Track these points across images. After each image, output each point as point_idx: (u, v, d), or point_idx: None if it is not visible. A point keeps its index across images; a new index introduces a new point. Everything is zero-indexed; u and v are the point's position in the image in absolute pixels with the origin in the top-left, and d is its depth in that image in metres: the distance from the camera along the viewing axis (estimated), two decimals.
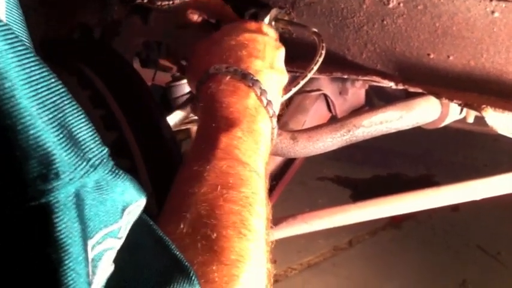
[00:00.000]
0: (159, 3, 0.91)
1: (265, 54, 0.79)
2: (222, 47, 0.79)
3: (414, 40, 0.95)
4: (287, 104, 1.24)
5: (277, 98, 0.78)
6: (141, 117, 0.83)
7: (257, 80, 0.73)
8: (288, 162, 1.31)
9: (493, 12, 0.86)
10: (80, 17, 1.13)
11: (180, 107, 1.01)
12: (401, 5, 0.92)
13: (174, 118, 0.98)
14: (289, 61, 0.87)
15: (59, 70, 0.73)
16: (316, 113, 1.26)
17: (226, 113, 0.69)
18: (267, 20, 0.92)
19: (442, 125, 1.10)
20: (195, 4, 0.91)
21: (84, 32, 1.04)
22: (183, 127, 0.98)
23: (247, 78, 0.73)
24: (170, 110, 0.99)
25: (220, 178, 0.61)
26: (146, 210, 0.44)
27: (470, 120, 1.11)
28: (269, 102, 0.73)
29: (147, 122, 0.83)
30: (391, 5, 0.92)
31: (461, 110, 1.09)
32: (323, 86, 1.26)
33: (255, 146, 0.68)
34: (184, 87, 1.07)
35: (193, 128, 1.20)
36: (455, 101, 0.93)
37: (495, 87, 0.91)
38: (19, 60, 0.32)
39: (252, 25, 0.85)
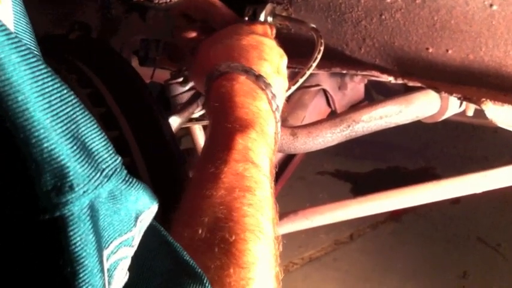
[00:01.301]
0: (156, 1, 0.91)
1: (273, 58, 0.78)
2: (232, 45, 0.78)
3: (413, 34, 0.95)
4: (286, 100, 1.24)
5: (281, 105, 0.78)
6: (140, 115, 0.82)
7: (269, 84, 0.73)
8: (288, 158, 1.31)
9: (491, 5, 0.85)
10: (78, 15, 1.13)
11: (179, 111, 1.01)
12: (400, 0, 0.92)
13: (172, 123, 0.97)
14: (288, 57, 0.87)
15: (58, 67, 0.73)
16: (315, 108, 1.26)
17: (241, 113, 0.69)
18: (263, 15, 0.92)
19: (442, 118, 1.10)
20: (190, 3, 0.90)
21: (82, 30, 1.04)
22: (183, 125, 0.98)
23: (260, 81, 0.72)
24: (169, 108, 0.99)
25: (237, 180, 0.61)
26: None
27: (470, 113, 1.11)
28: (277, 107, 0.73)
29: (146, 120, 0.83)
30: (389, 0, 0.92)
31: (461, 103, 1.09)
32: (322, 81, 1.26)
33: (265, 149, 0.68)
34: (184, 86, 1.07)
35: (194, 126, 1.20)
36: (454, 94, 0.93)
37: (494, 81, 0.91)
38: (32, 73, 0.32)
39: (259, 28, 0.85)
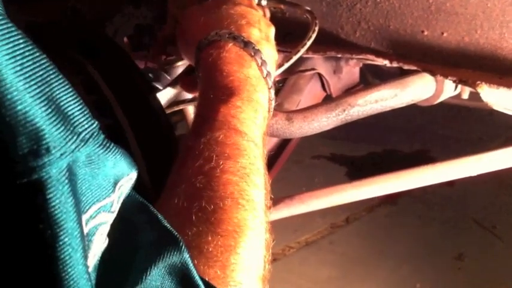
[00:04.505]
0: None
1: (262, 26, 0.78)
2: (220, 14, 0.77)
3: (408, 17, 0.94)
4: (282, 84, 1.23)
5: (273, 72, 0.78)
6: (134, 101, 0.82)
7: (258, 50, 0.72)
8: (284, 143, 1.31)
9: None
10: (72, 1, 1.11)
11: (172, 84, 1.00)
12: None
13: (165, 95, 0.96)
14: (282, 40, 0.87)
15: (51, 56, 0.72)
16: (310, 92, 1.25)
17: (226, 82, 0.68)
18: None
19: (437, 102, 1.10)
20: None
21: (74, 15, 1.02)
22: (176, 108, 0.97)
23: (249, 47, 0.71)
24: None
25: (216, 149, 0.60)
26: (139, 185, 0.44)
27: (465, 96, 1.10)
28: (268, 73, 0.72)
29: (141, 106, 0.82)
30: None
31: (456, 86, 1.08)
32: (317, 66, 1.25)
33: (253, 116, 0.67)
34: (178, 70, 1.06)
35: (188, 108, 1.19)
36: (449, 77, 0.92)
37: (490, 63, 0.91)
38: (2, 35, 0.31)
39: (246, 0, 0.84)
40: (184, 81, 0.86)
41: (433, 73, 0.95)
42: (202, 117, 0.65)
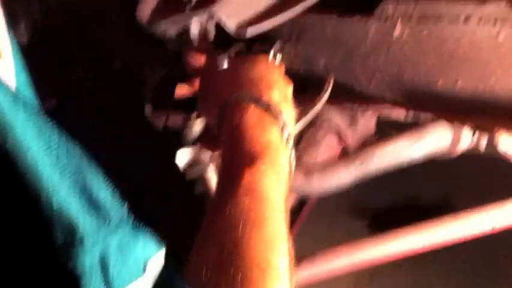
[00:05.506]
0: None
1: (280, 86, 0.79)
2: (241, 76, 0.78)
3: (421, 66, 0.95)
4: (298, 138, 1.24)
5: (292, 133, 0.78)
6: (154, 158, 0.83)
7: (279, 112, 0.73)
8: (303, 199, 1.30)
9: (498, 33, 0.86)
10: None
11: (192, 141, 1.01)
12: (406, 32, 0.92)
13: (185, 153, 0.97)
14: (297, 95, 0.88)
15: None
16: (328, 144, 1.26)
17: (249, 147, 0.68)
18: (272, 53, 0.93)
19: (458, 153, 1.09)
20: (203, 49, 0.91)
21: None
22: (196, 167, 0.98)
23: (270, 110, 0.72)
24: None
25: (242, 216, 0.60)
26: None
27: (482, 148, 1.08)
28: (289, 136, 0.73)
29: (162, 165, 0.83)
30: (395, 34, 0.93)
31: (474, 134, 1.07)
32: (333, 117, 1.26)
33: (276, 181, 0.67)
34: (197, 127, 1.07)
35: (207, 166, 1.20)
36: (467, 125, 0.92)
37: (507, 110, 0.90)
38: (38, 130, 0.33)
39: (263, 58, 0.86)
40: (205, 139, 0.87)
41: (449, 120, 0.95)
42: (226, 182, 0.66)
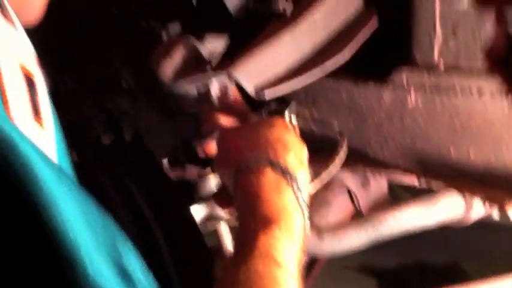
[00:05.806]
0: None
1: (296, 150, 0.80)
2: (257, 138, 0.79)
3: (434, 137, 0.96)
4: (310, 198, 1.24)
5: (307, 198, 0.79)
6: (169, 214, 0.84)
7: (295, 177, 0.74)
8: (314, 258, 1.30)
9: (509, 109, 0.87)
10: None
11: (206, 198, 1.02)
12: (420, 103, 0.94)
13: (199, 209, 0.98)
14: (311, 155, 0.89)
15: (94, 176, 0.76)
16: (339, 206, 1.26)
17: (265, 211, 0.69)
18: (287, 114, 0.94)
19: (471, 222, 1.09)
20: (222, 108, 0.93)
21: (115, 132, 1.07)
22: (209, 224, 0.99)
23: (286, 174, 0.73)
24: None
25: (256, 281, 0.61)
26: None
27: (495, 216, 1.10)
28: (304, 201, 0.74)
29: (176, 219, 0.84)
30: (409, 104, 0.95)
31: (484, 204, 1.08)
32: (345, 179, 1.27)
33: (290, 246, 0.67)
34: (210, 183, 1.09)
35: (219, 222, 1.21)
36: (477, 196, 0.93)
37: None
38: (79, 206, 0.34)
39: (280, 121, 0.87)
40: (219, 196, 0.88)
41: (460, 191, 0.96)
42: (241, 245, 0.66)
